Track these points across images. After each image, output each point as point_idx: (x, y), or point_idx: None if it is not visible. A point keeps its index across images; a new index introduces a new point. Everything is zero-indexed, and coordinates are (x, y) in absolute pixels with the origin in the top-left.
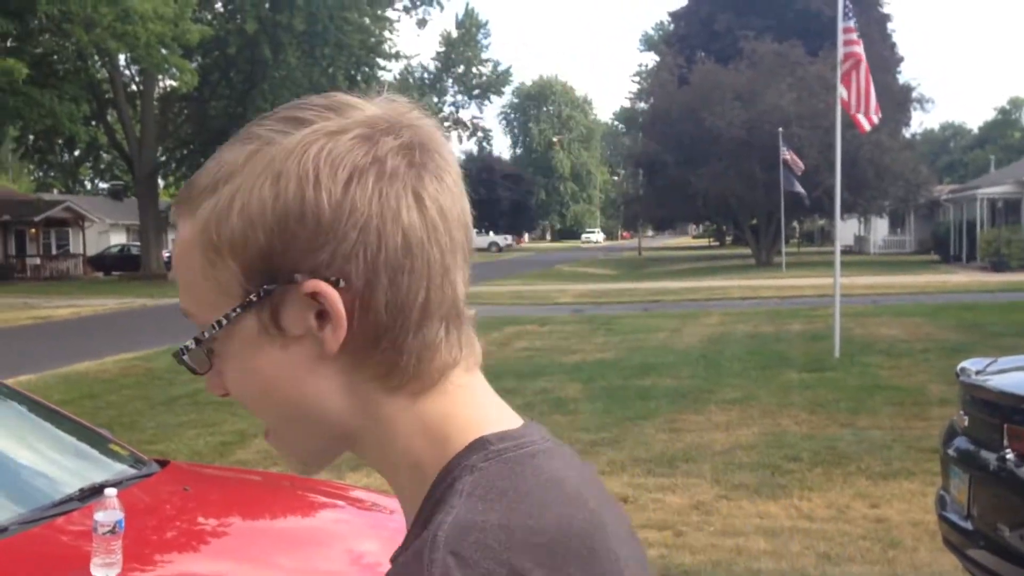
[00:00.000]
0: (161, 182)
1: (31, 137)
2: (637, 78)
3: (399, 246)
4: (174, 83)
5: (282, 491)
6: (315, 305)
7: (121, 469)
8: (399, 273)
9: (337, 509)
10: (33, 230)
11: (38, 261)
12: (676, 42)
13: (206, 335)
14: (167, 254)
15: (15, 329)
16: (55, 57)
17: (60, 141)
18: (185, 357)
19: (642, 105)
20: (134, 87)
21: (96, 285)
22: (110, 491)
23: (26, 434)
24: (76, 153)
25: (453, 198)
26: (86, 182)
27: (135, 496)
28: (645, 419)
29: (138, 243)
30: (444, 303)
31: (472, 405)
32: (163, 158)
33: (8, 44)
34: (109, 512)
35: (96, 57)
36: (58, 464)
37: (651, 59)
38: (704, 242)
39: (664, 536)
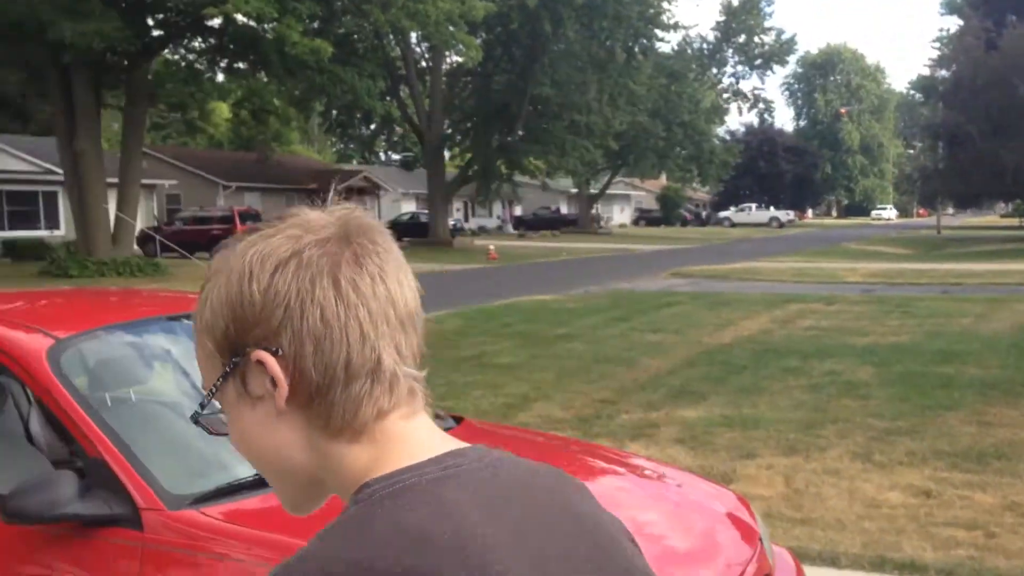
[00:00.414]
0: (447, 153)
1: (334, 112)
2: (937, 44)
3: (318, 319)
4: (460, 59)
5: (565, 455)
6: (265, 371)
7: None
8: (321, 340)
9: (618, 476)
10: (335, 198)
11: None
12: (982, 4)
13: (203, 402)
14: (452, 223)
15: None
16: (355, 37)
17: (358, 115)
18: (201, 421)
19: (943, 73)
20: (424, 63)
21: None
22: None
23: None
24: (372, 126)
25: (374, 280)
26: (381, 154)
27: None
28: (948, 409)
29: (426, 211)
30: (367, 364)
31: (395, 450)
32: (449, 130)
33: (315, 26)
34: None
35: (391, 36)
36: None
37: (953, 23)
38: (1014, 222)
39: (973, 536)
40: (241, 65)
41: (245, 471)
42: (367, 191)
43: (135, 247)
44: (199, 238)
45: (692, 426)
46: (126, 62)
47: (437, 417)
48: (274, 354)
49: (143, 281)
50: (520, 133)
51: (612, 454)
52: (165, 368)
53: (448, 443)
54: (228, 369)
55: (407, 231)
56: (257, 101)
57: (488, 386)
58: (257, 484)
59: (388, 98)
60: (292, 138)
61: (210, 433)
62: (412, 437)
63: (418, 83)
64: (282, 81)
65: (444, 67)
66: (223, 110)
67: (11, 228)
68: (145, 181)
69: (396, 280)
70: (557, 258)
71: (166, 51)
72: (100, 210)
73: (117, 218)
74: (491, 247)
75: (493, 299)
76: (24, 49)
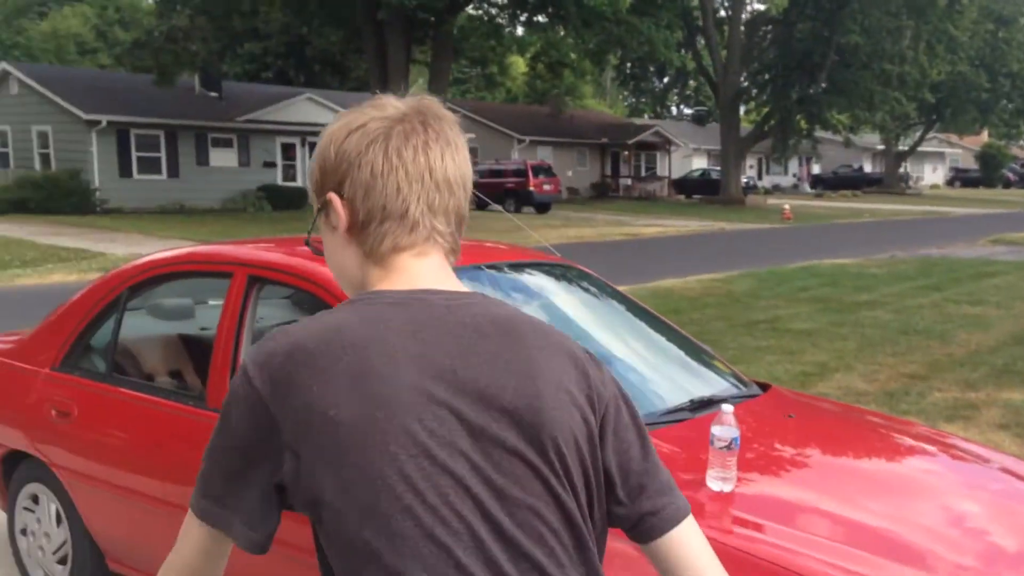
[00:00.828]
0: (742, 108)
1: (628, 65)
2: None
3: (368, 173)
4: (762, 6)
5: (874, 431)
6: (335, 208)
7: (725, 387)
8: (369, 189)
9: (930, 458)
10: (626, 152)
11: (629, 182)
12: None
13: (309, 230)
14: (744, 180)
15: (610, 243)
16: None
17: (652, 68)
18: (310, 243)
19: None
20: (723, 12)
21: (679, 207)
22: (727, 407)
23: (639, 340)
24: (665, 80)
25: (416, 151)
26: (672, 108)
27: (740, 415)
28: None
29: (718, 168)
30: (397, 210)
31: (395, 276)
32: (745, 83)
33: None
34: (726, 428)
35: None
36: (666, 373)
37: None
38: None
39: None
40: (540, 18)
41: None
42: (658, 146)
43: None
44: (494, 190)
45: (1019, 410)
46: (434, 18)
47: (740, 382)
48: (340, 196)
49: None
50: (823, 85)
51: (928, 434)
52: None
53: (446, 283)
54: (319, 207)
55: (697, 188)
56: (554, 54)
57: (783, 352)
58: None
59: (683, 50)
60: (585, 92)
61: (315, 252)
62: (413, 270)
63: (715, 33)
64: (579, 33)
65: (744, 16)
66: (520, 64)
67: None
68: None
69: (438, 154)
70: (859, 219)
71: (470, 6)
72: None
73: None
74: (786, 206)
75: (787, 261)
76: (345, 8)
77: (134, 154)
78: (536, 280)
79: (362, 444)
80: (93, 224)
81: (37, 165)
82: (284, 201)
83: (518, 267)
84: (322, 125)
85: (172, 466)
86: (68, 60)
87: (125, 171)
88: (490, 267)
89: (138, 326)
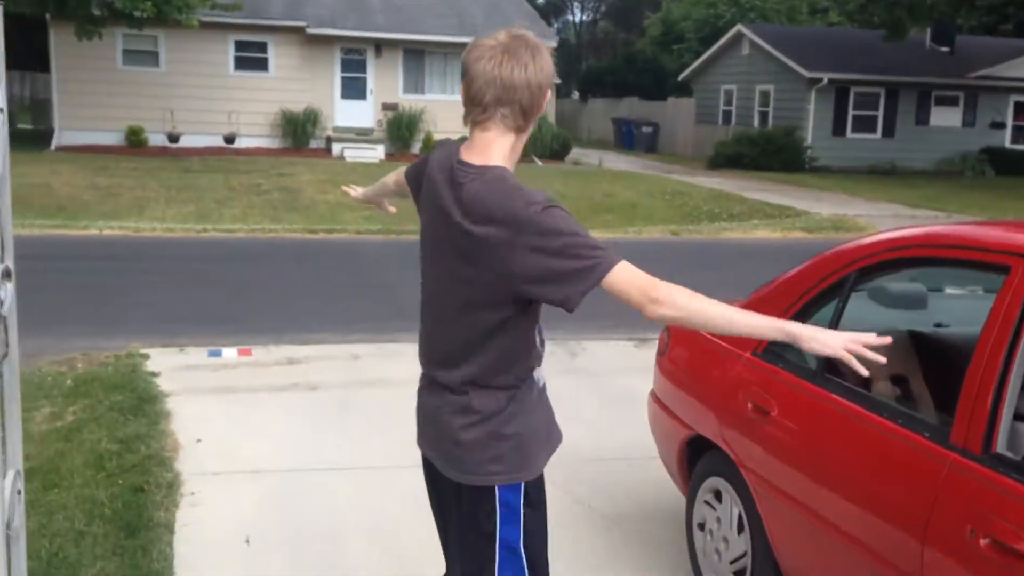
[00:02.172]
0: None
1: None
2: None
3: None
4: None
5: None
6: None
7: None
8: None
9: None
10: None
11: None
12: None
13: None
14: None
15: None
16: None
17: None
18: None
19: None
20: None
21: None
22: None
23: None
24: None
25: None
26: None
27: None
28: None
29: None
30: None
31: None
32: None
33: None
34: None
35: None
36: None
37: None
38: None
39: None
40: None
41: None
42: None
43: None
44: None
45: None
46: None
47: None
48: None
49: None
50: None
51: None
52: None
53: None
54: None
55: None
56: None
57: None
58: None
59: None
60: None
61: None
62: (480, 139)
63: None
64: None
65: None
66: None
67: None
68: None
69: (515, 63)
70: None
71: None
72: None
73: None
74: None
75: None
76: None
77: (850, 112)
78: None
79: None
80: (801, 182)
81: (756, 123)
82: (1009, 165)
83: None
84: None
85: (879, 505)
86: (798, 21)
87: (839, 129)
88: None
89: (855, 312)
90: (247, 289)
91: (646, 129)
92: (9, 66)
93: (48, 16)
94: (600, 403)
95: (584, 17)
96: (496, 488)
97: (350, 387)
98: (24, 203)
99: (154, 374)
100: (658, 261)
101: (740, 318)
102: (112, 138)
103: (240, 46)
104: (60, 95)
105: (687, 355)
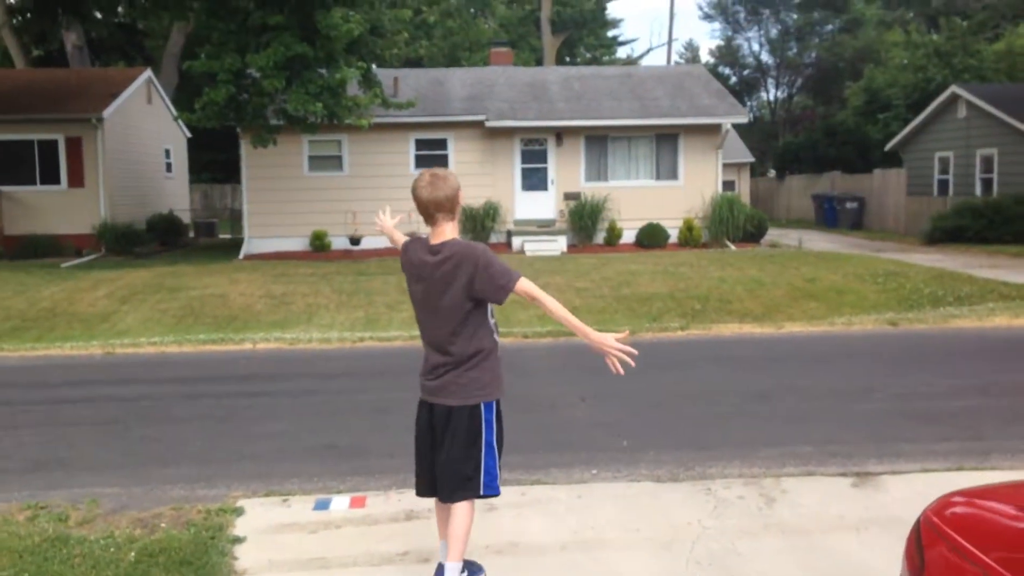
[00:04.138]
0: None
1: None
2: None
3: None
4: None
5: None
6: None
7: None
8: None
9: None
10: None
11: None
12: None
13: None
14: None
15: None
16: None
17: None
18: None
19: None
20: None
21: None
22: None
23: None
24: None
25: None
26: None
27: None
28: None
29: None
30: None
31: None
32: None
33: None
34: None
35: None
36: None
37: None
38: None
39: None
40: None
41: None
42: None
43: None
44: None
45: None
46: None
47: None
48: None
49: None
50: None
51: None
52: None
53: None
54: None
55: None
56: None
57: None
58: None
59: None
60: None
61: None
62: (437, 231)
63: None
64: None
65: None
66: None
67: None
68: None
69: (436, 188)
70: None
71: None
72: None
73: None
74: None
75: None
76: None
77: None
78: None
79: None
80: None
81: (978, 190)
82: None
83: None
84: None
85: None
86: (1020, 77)
87: None
88: None
89: None
90: (386, 413)
91: (850, 204)
92: (214, 180)
93: (239, 129)
94: None
95: (779, 93)
96: (481, 405)
97: (473, 553)
98: (196, 315)
99: (238, 540)
100: (874, 357)
101: (570, 318)
102: (297, 244)
103: (420, 144)
104: (250, 204)
105: None
